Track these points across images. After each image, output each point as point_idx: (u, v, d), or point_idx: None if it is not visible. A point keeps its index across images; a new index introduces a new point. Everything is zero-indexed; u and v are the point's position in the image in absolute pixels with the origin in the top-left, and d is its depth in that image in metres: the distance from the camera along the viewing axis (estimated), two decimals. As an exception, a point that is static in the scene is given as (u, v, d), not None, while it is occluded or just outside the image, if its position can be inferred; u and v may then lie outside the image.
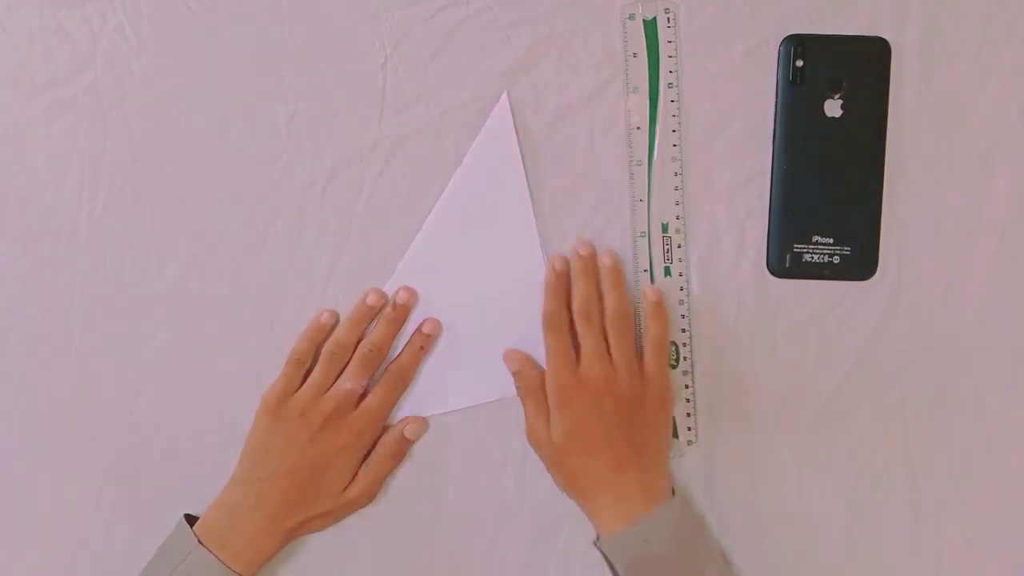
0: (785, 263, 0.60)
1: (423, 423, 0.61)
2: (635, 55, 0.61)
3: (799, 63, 0.60)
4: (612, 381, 0.56)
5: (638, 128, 0.61)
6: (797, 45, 0.60)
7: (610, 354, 0.57)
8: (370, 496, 0.60)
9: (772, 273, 0.61)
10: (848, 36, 0.60)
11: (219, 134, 0.62)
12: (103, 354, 0.62)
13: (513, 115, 0.61)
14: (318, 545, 0.61)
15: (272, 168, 0.62)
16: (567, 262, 0.60)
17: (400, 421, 0.61)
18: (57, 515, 0.62)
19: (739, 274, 0.61)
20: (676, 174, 0.61)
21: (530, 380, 0.59)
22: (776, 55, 0.60)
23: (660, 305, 0.59)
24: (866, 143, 0.60)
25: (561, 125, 0.61)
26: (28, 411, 0.62)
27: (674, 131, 0.61)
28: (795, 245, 0.60)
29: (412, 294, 0.60)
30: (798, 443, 0.61)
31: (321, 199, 0.62)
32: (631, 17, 0.61)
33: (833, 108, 0.60)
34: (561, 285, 0.59)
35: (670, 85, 0.61)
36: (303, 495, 0.57)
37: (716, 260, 0.61)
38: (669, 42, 0.61)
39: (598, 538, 0.56)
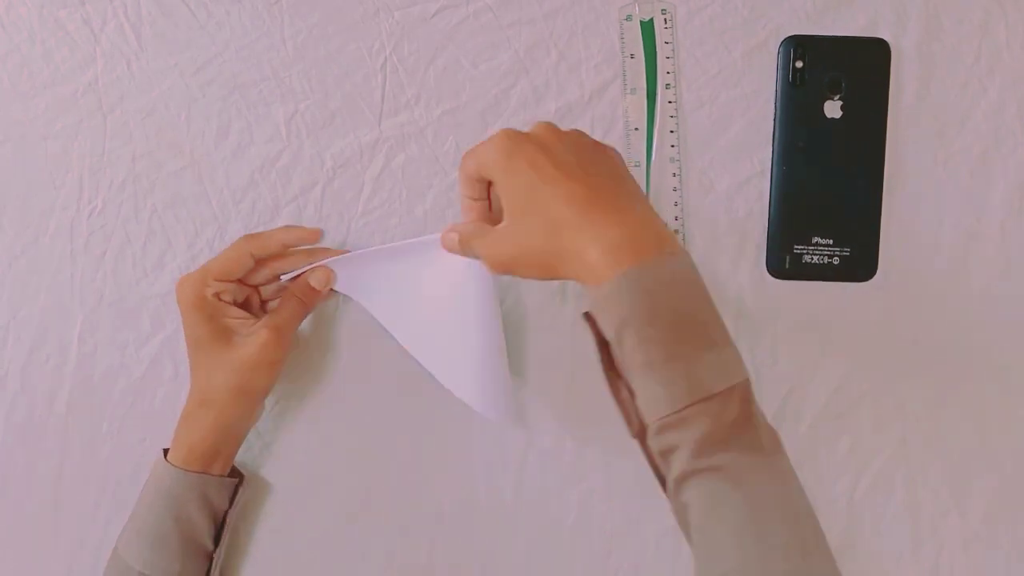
0: (785, 264, 0.60)
1: (329, 273, 0.57)
2: (632, 56, 0.61)
3: (799, 64, 0.60)
4: (562, 132, 0.49)
5: (636, 129, 0.61)
6: (797, 46, 0.60)
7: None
8: (279, 340, 0.55)
9: (772, 274, 0.61)
10: (848, 37, 0.60)
11: (219, 134, 0.62)
12: (103, 354, 0.62)
13: (513, 114, 0.61)
14: (318, 545, 0.61)
15: (272, 169, 0.62)
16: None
17: (309, 272, 0.57)
18: (57, 515, 0.62)
19: (739, 275, 0.61)
20: (674, 175, 0.61)
21: (451, 228, 0.52)
22: (776, 56, 0.60)
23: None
24: (866, 144, 0.60)
25: (561, 125, 0.61)
26: (28, 411, 0.62)
27: (672, 132, 0.61)
28: (795, 246, 0.60)
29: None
30: (798, 443, 0.61)
31: (321, 199, 0.62)
32: (628, 18, 0.61)
33: (833, 109, 0.60)
34: None
35: (668, 86, 0.61)
36: (207, 369, 0.56)
37: (716, 261, 0.61)
38: (667, 43, 0.61)
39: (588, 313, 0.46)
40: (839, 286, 0.61)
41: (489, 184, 0.50)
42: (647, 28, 0.61)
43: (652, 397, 0.42)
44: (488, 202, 0.52)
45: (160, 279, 0.62)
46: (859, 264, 0.60)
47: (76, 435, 0.62)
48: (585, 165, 0.47)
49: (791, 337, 0.61)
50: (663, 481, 0.44)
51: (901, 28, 0.60)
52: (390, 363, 0.61)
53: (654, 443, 0.43)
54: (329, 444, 0.62)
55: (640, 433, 0.44)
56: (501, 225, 0.48)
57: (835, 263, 0.60)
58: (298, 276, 0.58)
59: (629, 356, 0.43)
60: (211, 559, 0.57)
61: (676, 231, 0.61)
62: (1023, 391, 0.60)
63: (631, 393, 0.44)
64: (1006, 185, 0.60)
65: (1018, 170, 0.60)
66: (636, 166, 0.61)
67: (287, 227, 0.60)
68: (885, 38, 0.60)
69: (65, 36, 0.62)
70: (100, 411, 0.62)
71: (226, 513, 0.58)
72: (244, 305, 0.58)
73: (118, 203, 0.62)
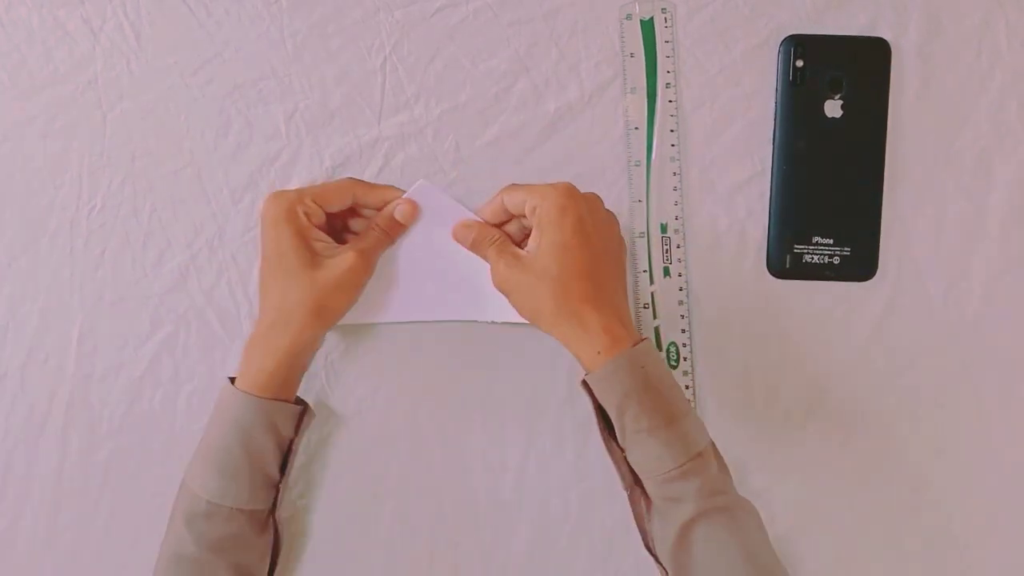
0: (785, 264, 0.60)
1: (414, 205, 0.59)
2: (632, 55, 0.61)
3: (799, 63, 0.60)
4: (603, 208, 0.56)
5: (636, 128, 0.61)
6: (797, 45, 0.60)
7: None
8: (364, 264, 0.57)
9: (772, 274, 0.61)
10: (848, 36, 0.60)
11: (219, 134, 0.62)
12: (103, 354, 0.62)
13: (513, 112, 0.61)
14: (319, 545, 0.61)
15: (272, 168, 0.61)
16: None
17: (392, 203, 0.59)
18: (57, 515, 0.62)
19: (739, 275, 0.61)
20: (675, 174, 0.61)
21: (488, 232, 0.57)
22: (776, 55, 0.60)
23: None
24: (866, 143, 0.60)
25: (560, 125, 0.61)
26: (28, 411, 0.62)
27: (672, 131, 0.61)
28: (795, 246, 0.60)
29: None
30: (797, 443, 0.61)
31: (321, 199, 0.61)
32: (628, 17, 0.61)
33: (833, 108, 0.60)
34: None
35: (668, 85, 0.61)
36: (284, 287, 0.55)
37: (716, 260, 0.61)
38: (667, 42, 0.61)
39: (587, 373, 0.53)
40: (839, 285, 0.61)
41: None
42: (647, 27, 0.61)
43: (656, 456, 0.50)
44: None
45: (160, 279, 0.62)
46: (859, 264, 0.60)
47: (76, 435, 0.62)
48: (607, 248, 0.55)
49: (791, 336, 0.61)
50: (645, 534, 0.53)
51: (901, 27, 0.60)
52: (390, 365, 0.61)
53: (659, 492, 0.51)
54: (331, 446, 0.62)
55: (632, 485, 0.53)
56: (524, 256, 0.54)
57: (835, 263, 0.60)
58: (383, 209, 0.58)
59: (632, 423, 0.51)
60: (277, 488, 0.56)
61: (677, 230, 0.61)
62: (1023, 391, 0.60)
63: (622, 450, 0.52)
64: (1006, 185, 0.60)
65: (1018, 170, 0.60)
66: (636, 165, 0.61)
67: (395, 187, 0.60)
68: (885, 37, 0.60)
69: (64, 35, 0.62)
70: (100, 411, 0.62)
71: (292, 441, 0.56)
72: (327, 232, 0.58)
73: (118, 202, 0.62)
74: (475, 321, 0.60)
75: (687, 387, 0.61)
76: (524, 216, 0.56)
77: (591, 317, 0.52)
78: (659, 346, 0.61)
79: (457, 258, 0.59)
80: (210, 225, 0.62)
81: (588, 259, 0.53)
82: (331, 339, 0.62)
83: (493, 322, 0.59)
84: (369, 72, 0.61)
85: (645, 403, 0.51)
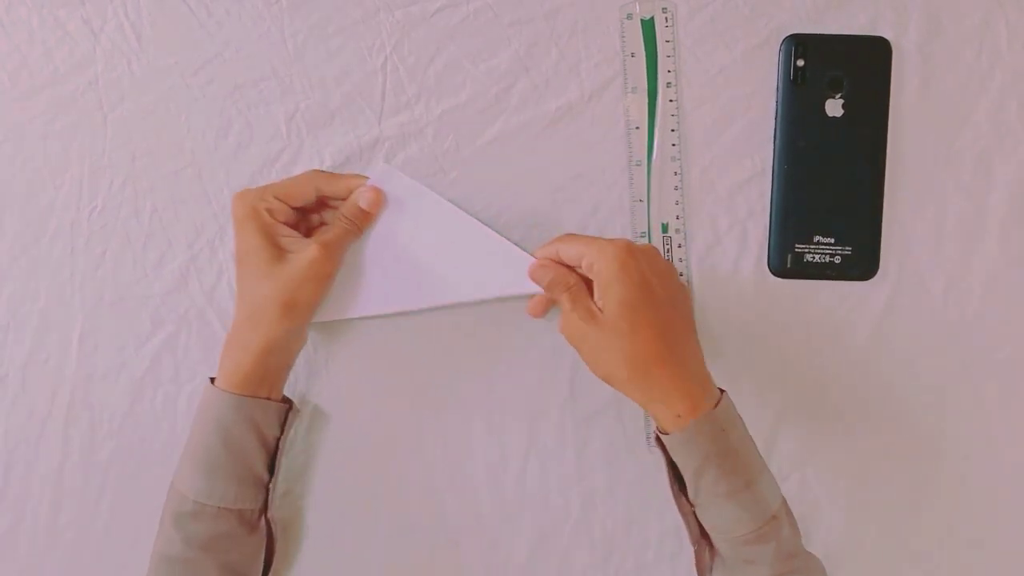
0: (786, 263, 0.60)
1: (378, 192, 0.58)
2: (633, 55, 0.61)
3: (800, 63, 0.60)
4: (663, 260, 0.56)
5: (637, 128, 0.61)
6: (798, 45, 0.60)
7: None
8: (328, 255, 0.56)
9: (773, 273, 0.61)
10: (848, 36, 0.60)
11: (219, 134, 0.62)
12: (103, 354, 0.62)
13: (519, 109, 0.61)
14: (319, 545, 0.61)
15: (273, 168, 0.61)
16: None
17: (356, 191, 0.58)
18: (57, 515, 0.62)
19: (740, 274, 0.61)
20: (676, 174, 0.61)
21: (566, 276, 0.55)
22: (776, 55, 0.60)
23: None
24: (867, 143, 0.60)
25: (561, 125, 0.61)
26: (28, 411, 0.62)
27: (673, 131, 0.61)
28: (796, 245, 0.60)
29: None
30: (797, 443, 0.61)
31: (321, 199, 0.61)
32: (629, 17, 0.61)
33: (834, 108, 0.60)
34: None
35: (669, 85, 0.61)
36: (254, 282, 0.55)
37: (717, 260, 0.61)
38: (667, 42, 0.61)
39: (663, 433, 0.53)
40: (840, 285, 0.61)
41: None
42: (648, 27, 0.61)
43: (735, 519, 0.51)
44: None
45: (160, 279, 0.62)
46: (860, 263, 0.60)
47: (76, 435, 0.62)
48: (674, 300, 0.54)
49: (792, 337, 0.61)
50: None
51: (902, 27, 0.60)
52: (390, 365, 0.61)
53: (732, 552, 0.52)
54: (331, 446, 0.62)
55: (699, 539, 0.53)
56: (597, 313, 0.53)
57: (836, 262, 0.60)
58: (347, 198, 0.58)
59: (711, 486, 0.51)
60: (267, 488, 0.56)
61: (678, 230, 0.61)
62: (1023, 391, 0.60)
63: (691, 505, 0.52)
64: (1006, 185, 0.60)
65: (1018, 170, 0.60)
66: (637, 165, 0.61)
67: (359, 175, 0.60)
68: (886, 37, 0.60)
69: (65, 36, 0.62)
70: (100, 411, 0.62)
71: (278, 440, 0.56)
72: (295, 227, 0.58)
73: (118, 203, 0.62)
74: (458, 303, 0.60)
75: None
76: (579, 268, 0.55)
77: (667, 380, 0.51)
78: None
79: (428, 241, 0.59)
80: (211, 225, 0.62)
81: (656, 316, 0.52)
82: (331, 337, 0.62)
83: (478, 300, 0.59)
84: (369, 72, 0.61)
85: (724, 466, 0.51)
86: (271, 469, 0.56)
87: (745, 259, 0.61)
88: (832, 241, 0.60)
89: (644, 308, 0.52)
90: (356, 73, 0.61)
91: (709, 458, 0.51)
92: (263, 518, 0.56)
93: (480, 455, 0.61)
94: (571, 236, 0.57)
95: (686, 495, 0.53)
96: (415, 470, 0.62)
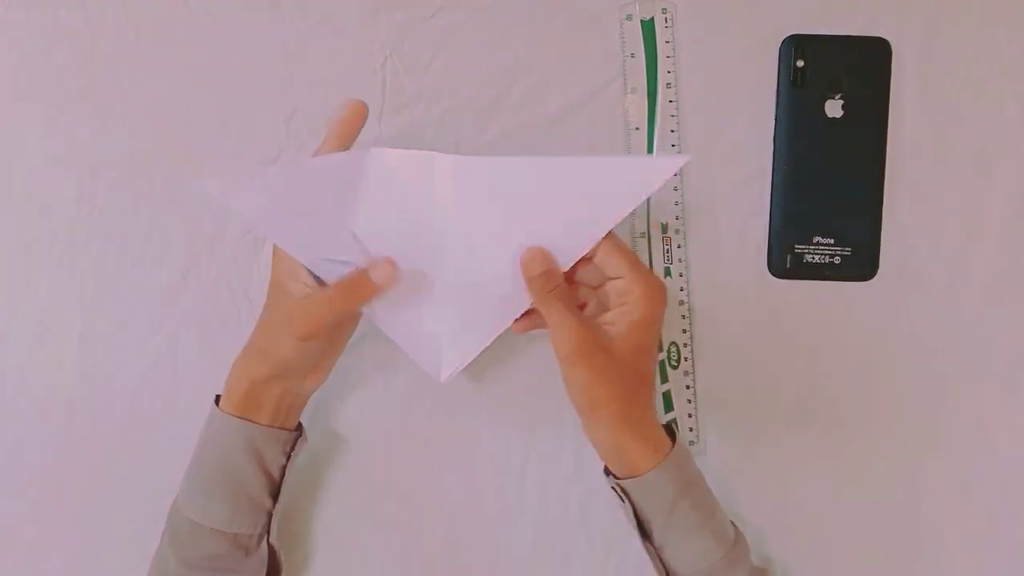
0: (786, 264, 0.60)
1: (392, 268, 0.50)
2: (633, 55, 0.61)
3: (799, 63, 0.60)
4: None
5: (636, 129, 0.61)
6: (797, 45, 0.60)
7: None
8: (316, 320, 0.50)
9: (773, 274, 0.61)
10: (848, 36, 0.60)
11: (219, 134, 0.62)
12: (103, 354, 0.62)
13: (518, 110, 0.61)
14: (319, 545, 0.61)
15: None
16: None
17: (371, 264, 0.50)
18: (57, 515, 0.62)
19: (739, 275, 0.61)
20: (675, 174, 0.61)
21: (560, 278, 0.50)
22: (776, 55, 0.60)
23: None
24: (866, 143, 0.60)
25: (560, 125, 0.61)
26: (28, 411, 0.62)
27: (673, 131, 0.61)
28: (796, 246, 0.60)
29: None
30: (798, 443, 0.61)
31: (321, 199, 0.61)
32: (628, 18, 0.61)
33: (833, 108, 0.60)
34: None
35: (668, 85, 0.61)
36: (262, 337, 0.54)
37: (716, 260, 0.61)
38: (667, 42, 0.61)
39: (632, 477, 0.51)
40: (840, 285, 0.61)
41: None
42: (648, 27, 0.61)
43: (705, 550, 0.52)
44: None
45: (160, 279, 0.62)
46: (860, 264, 0.60)
47: (76, 435, 0.62)
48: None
49: (792, 337, 0.61)
50: None
51: (902, 27, 0.60)
52: (390, 365, 0.61)
53: None
54: (331, 447, 0.62)
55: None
56: (604, 328, 0.50)
57: (836, 263, 0.60)
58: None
59: (682, 520, 0.51)
60: (269, 514, 0.54)
61: (677, 230, 0.61)
62: (1023, 391, 0.60)
63: (655, 547, 0.53)
64: (1006, 185, 0.60)
65: (1018, 170, 0.60)
66: (637, 166, 0.61)
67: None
68: (886, 37, 0.60)
69: (65, 35, 0.62)
70: (100, 411, 0.62)
71: (283, 468, 0.55)
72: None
73: (118, 203, 0.62)
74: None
75: (687, 387, 0.61)
76: (600, 283, 0.51)
77: (651, 415, 0.52)
78: (660, 346, 0.61)
79: (512, 205, 0.50)
80: (210, 225, 0.62)
81: (651, 366, 0.52)
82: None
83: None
84: (369, 72, 0.61)
85: (696, 497, 0.52)
86: (274, 495, 0.55)
87: (745, 259, 0.61)
88: (832, 241, 0.60)
89: (649, 358, 0.52)
90: (356, 73, 0.61)
91: (682, 490, 0.51)
92: (263, 543, 0.55)
93: (480, 455, 0.61)
94: (619, 246, 0.50)
95: (650, 539, 0.53)
96: (417, 472, 0.61)
